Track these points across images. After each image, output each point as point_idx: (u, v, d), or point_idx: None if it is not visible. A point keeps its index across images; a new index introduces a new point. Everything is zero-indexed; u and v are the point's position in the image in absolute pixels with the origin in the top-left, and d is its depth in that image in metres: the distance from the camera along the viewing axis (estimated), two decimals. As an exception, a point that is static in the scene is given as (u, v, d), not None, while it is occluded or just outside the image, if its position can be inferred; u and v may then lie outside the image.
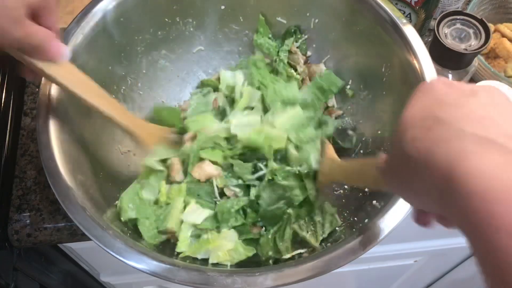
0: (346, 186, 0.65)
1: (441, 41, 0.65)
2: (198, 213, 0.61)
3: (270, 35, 0.76)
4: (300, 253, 0.57)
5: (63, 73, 0.52)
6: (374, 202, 0.56)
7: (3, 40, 0.45)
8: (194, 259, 0.57)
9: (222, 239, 0.58)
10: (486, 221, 0.25)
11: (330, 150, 0.63)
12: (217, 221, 0.61)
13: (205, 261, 0.57)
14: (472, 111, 0.30)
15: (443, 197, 0.28)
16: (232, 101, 0.72)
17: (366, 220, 0.54)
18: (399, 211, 0.51)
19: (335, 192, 0.65)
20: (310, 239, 0.58)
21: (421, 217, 0.39)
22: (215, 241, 0.57)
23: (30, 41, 0.47)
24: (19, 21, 0.45)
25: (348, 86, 0.72)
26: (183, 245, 0.58)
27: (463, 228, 0.27)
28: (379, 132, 0.66)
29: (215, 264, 0.56)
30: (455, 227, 0.34)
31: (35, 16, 0.48)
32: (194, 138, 0.65)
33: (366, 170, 0.49)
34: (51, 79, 0.53)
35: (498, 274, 0.24)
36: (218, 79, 0.75)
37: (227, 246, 0.57)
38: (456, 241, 0.97)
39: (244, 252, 0.57)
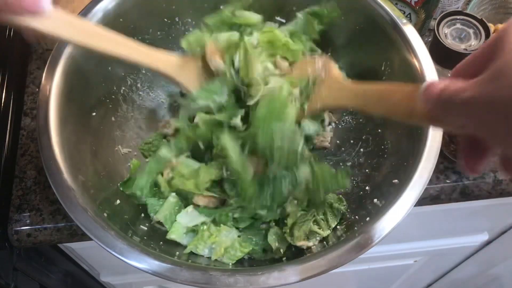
0: (346, 187, 0.65)
1: (441, 41, 0.65)
2: (193, 217, 0.61)
3: None
4: (309, 247, 0.58)
5: (57, 24, 0.46)
6: (375, 200, 0.57)
7: None
8: (197, 257, 0.57)
9: (222, 236, 0.58)
10: None
11: (334, 69, 0.54)
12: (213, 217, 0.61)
13: (207, 260, 0.57)
14: None
15: None
16: None
17: (367, 219, 0.54)
18: (399, 211, 0.51)
19: (336, 191, 0.65)
20: (319, 231, 0.58)
21: (472, 162, 0.35)
22: (215, 236, 0.57)
23: None
24: None
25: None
26: (175, 233, 0.58)
27: None
28: (379, 130, 0.66)
29: (218, 263, 0.57)
30: None
31: None
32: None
33: (399, 97, 0.41)
34: (47, 34, 0.47)
35: None
36: None
37: (226, 242, 0.57)
38: (456, 241, 0.97)
39: (240, 248, 0.57)
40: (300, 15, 0.70)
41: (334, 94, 0.51)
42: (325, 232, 0.58)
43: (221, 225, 0.59)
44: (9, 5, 0.42)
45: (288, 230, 0.58)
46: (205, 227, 0.59)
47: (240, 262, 0.57)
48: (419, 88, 0.36)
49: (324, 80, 0.53)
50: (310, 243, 0.57)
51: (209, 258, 0.57)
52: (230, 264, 0.56)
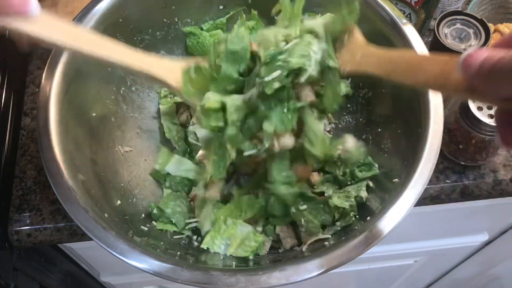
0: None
1: (441, 41, 0.65)
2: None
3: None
4: (322, 239, 0.58)
5: (47, 28, 0.45)
6: (375, 199, 0.57)
7: None
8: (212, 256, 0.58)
9: (238, 230, 0.58)
10: None
11: (358, 34, 0.50)
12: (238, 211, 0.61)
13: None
14: None
15: None
16: None
17: (368, 219, 0.54)
18: (399, 210, 0.51)
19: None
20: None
21: (510, 136, 0.34)
22: (231, 228, 0.58)
23: None
24: None
25: (348, 85, 0.72)
26: (208, 243, 0.58)
27: None
28: (379, 130, 0.66)
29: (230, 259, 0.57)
30: None
31: None
32: None
33: (431, 66, 0.39)
34: (36, 39, 0.45)
35: None
36: None
37: (242, 234, 0.58)
38: (456, 241, 0.97)
39: (254, 238, 0.58)
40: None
41: (357, 60, 0.48)
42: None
43: (237, 220, 0.60)
44: None
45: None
46: (221, 217, 0.59)
47: (244, 261, 0.57)
48: (456, 58, 0.34)
49: (347, 44, 0.49)
50: (324, 236, 0.58)
51: (225, 255, 0.57)
52: (234, 264, 0.56)
